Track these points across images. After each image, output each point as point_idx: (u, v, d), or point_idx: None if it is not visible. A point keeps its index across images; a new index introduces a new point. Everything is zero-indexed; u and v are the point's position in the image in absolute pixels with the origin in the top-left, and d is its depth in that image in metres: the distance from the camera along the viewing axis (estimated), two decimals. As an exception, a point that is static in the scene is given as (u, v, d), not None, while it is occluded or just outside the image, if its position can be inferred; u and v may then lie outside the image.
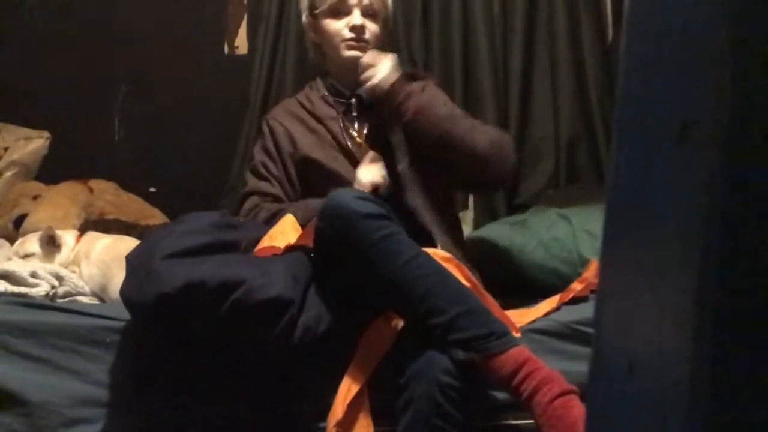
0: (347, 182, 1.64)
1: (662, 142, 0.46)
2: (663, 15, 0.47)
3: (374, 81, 1.59)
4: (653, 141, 0.48)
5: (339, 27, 1.74)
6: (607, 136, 2.32)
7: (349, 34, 1.73)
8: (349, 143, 1.73)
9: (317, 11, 1.76)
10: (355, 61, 1.69)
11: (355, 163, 1.70)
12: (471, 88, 2.36)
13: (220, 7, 2.55)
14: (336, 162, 1.71)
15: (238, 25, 2.56)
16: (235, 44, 2.57)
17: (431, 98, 1.63)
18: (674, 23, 0.46)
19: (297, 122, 1.78)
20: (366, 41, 1.74)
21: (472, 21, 2.36)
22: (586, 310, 1.54)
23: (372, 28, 1.75)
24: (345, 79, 1.79)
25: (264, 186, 1.75)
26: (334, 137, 1.74)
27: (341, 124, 1.75)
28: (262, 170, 1.77)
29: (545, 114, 2.37)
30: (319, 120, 1.77)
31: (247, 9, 2.55)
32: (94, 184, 2.23)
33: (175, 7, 2.57)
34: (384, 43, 1.81)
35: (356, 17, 1.73)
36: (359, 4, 1.74)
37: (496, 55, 2.36)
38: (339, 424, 1.29)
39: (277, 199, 1.74)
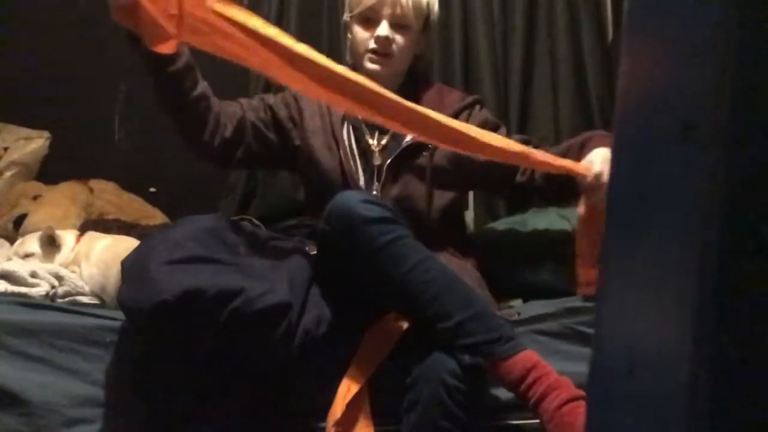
0: (328, 173, 1.64)
1: (663, 142, 0.46)
2: (662, 15, 0.47)
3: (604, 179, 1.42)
4: (654, 141, 0.48)
5: (365, 37, 1.66)
6: (607, 136, 2.33)
7: (373, 45, 1.65)
8: (340, 135, 1.67)
9: (350, 15, 1.70)
10: (375, 74, 1.62)
11: (345, 159, 1.65)
12: (471, 88, 2.36)
13: (220, 7, 2.55)
14: (329, 153, 1.66)
15: (238, 25, 2.56)
16: (235, 44, 2.56)
17: None
18: (674, 23, 0.46)
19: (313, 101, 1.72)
20: (391, 54, 1.65)
21: (472, 20, 2.36)
22: (586, 310, 1.54)
23: (400, 41, 1.66)
24: None
25: (242, 100, 1.72)
26: (333, 126, 1.68)
27: (341, 114, 1.68)
28: (253, 98, 1.75)
29: (545, 114, 2.37)
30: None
31: (247, 9, 2.54)
32: (94, 184, 2.23)
33: (175, 7, 2.56)
34: (418, 56, 1.74)
35: (382, 28, 1.64)
36: (391, 14, 1.64)
37: (496, 55, 2.36)
38: (338, 424, 1.29)
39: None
